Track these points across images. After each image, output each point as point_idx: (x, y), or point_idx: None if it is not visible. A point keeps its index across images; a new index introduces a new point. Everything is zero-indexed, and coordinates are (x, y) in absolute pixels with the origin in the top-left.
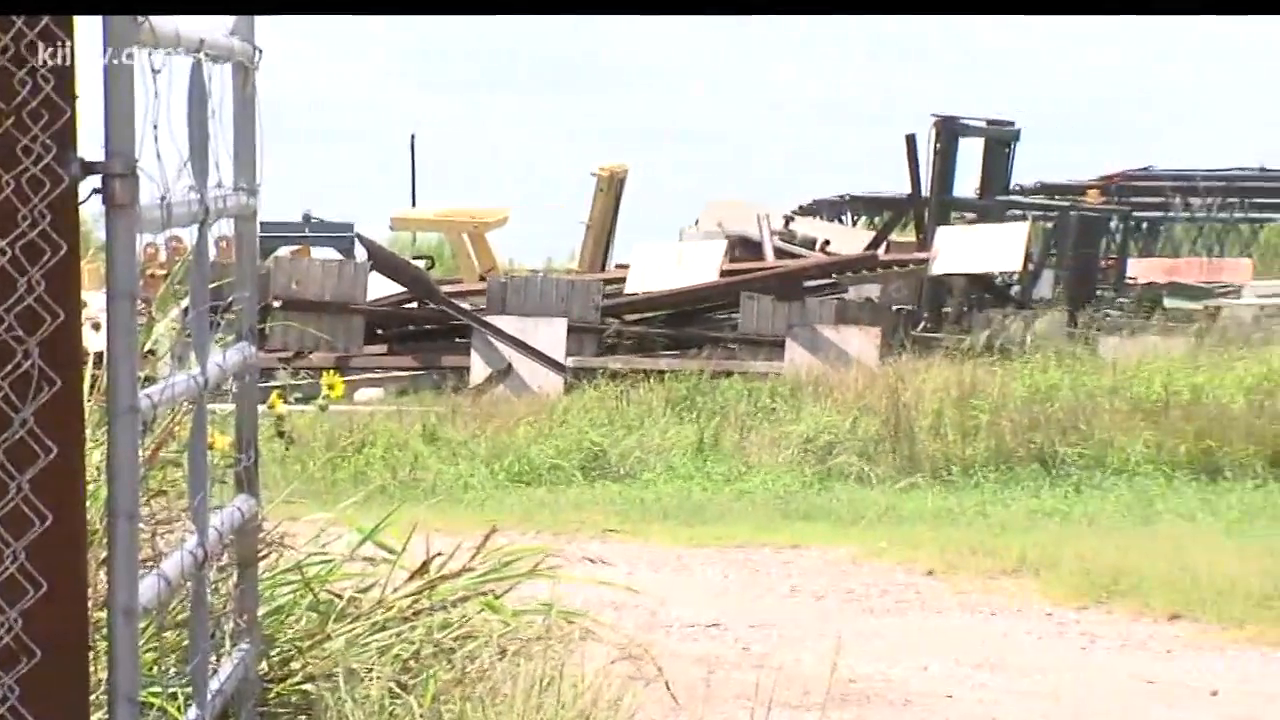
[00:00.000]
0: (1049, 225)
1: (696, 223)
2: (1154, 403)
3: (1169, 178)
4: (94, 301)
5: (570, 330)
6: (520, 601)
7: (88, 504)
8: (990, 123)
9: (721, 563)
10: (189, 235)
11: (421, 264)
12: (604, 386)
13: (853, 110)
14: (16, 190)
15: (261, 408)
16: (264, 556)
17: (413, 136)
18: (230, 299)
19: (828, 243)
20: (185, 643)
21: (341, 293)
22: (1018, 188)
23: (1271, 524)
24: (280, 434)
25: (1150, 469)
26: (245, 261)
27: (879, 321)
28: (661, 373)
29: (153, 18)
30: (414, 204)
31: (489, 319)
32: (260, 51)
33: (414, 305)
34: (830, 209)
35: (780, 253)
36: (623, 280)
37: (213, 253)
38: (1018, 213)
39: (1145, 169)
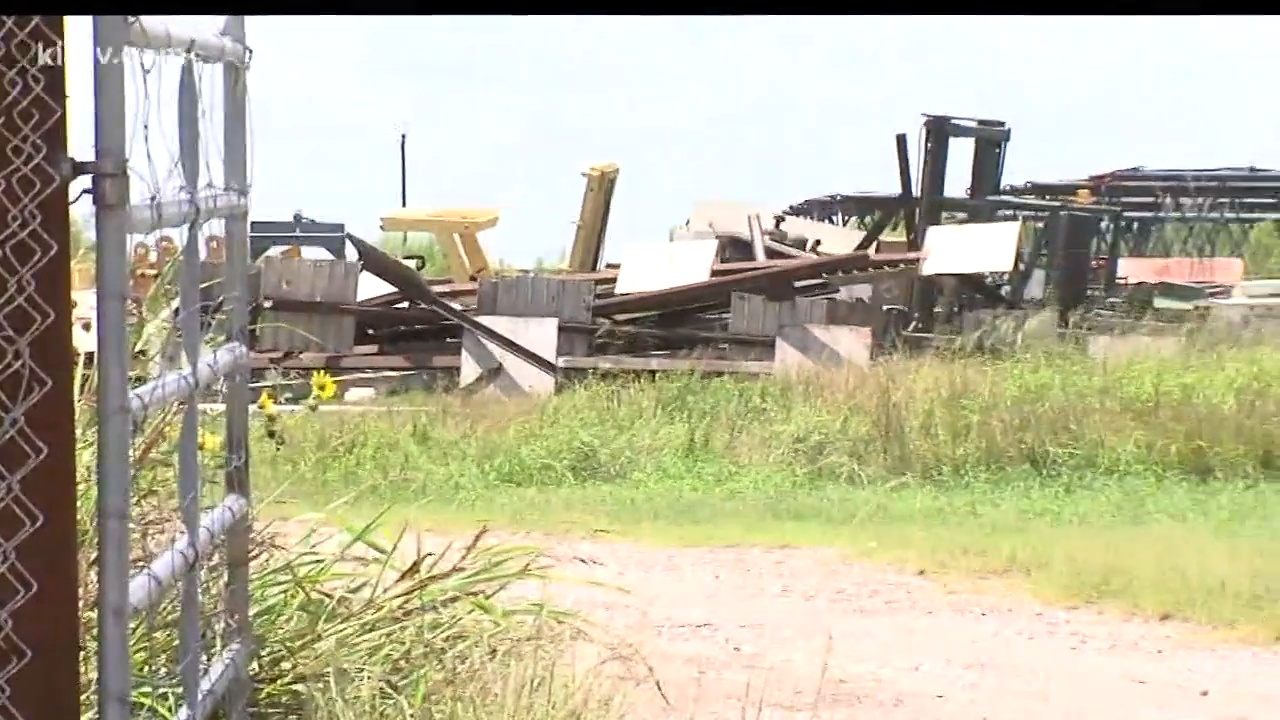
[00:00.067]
0: (1039, 225)
1: (687, 223)
2: (1144, 403)
3: (1159, 178)
4: (84, 301)
5: (561, 330)
6: (511, 602)
7: (78, 504)
8: (981, 123)
9: (712, 563)
10: (179, 235)
11: (412, 264)
12: (595, 386)
13: (845, 110)
14: (7, 190)
15: (252, 408)
16: (255, 557)
17: (403, 136)
18: (221, 299)
19: (818, 243)
20: (176, 643)
21: (332, 293)
22: (1008, 188)
23: (1262, 524)
24: (271, 434)
25: (1141, 469)
26: (236, 262)
27: (870, 321)
28: (652, 373)
29: (143, 18)
30: (404, 204)
31: (480, 319)
32: (251, 52)
33: (405, 305)
34: (821, 209)
35: (771, 253)
36: (613, 280)
37: (203, 253)
38: (1008, 213)
39: (1135, 169)
